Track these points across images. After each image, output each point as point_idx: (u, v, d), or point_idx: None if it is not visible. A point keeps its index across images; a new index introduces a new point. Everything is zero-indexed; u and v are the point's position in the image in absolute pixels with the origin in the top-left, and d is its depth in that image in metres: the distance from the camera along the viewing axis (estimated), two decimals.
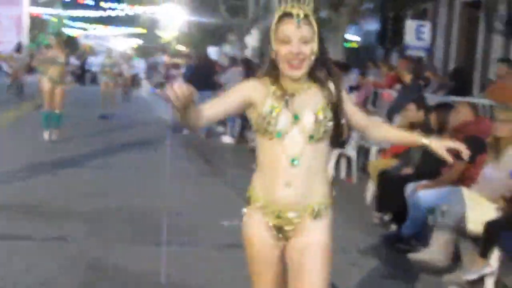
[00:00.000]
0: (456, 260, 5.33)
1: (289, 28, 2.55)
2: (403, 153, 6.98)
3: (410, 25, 13.40)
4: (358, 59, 26.51)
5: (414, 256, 5.36)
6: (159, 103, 23.20)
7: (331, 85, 2.67)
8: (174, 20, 41.14)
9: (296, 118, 2.59)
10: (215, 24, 32.05)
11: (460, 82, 11.71)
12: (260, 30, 30.23)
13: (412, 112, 7.40)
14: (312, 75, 2.65)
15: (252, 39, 32.35)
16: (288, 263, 2.70)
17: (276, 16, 2.60)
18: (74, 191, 7.58)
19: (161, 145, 11.77)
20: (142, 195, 7.45)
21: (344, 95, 2.70)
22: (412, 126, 7.39)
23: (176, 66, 26.23)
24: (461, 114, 6.02)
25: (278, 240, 2.70)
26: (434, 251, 5.19)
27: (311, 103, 2.62)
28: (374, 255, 5.76)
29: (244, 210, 2.77)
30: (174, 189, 8.07)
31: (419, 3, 19.05)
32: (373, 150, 8.68)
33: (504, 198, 5.01)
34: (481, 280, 4.89)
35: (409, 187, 6.08)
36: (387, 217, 6.77)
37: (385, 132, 2.93)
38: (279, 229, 2.68)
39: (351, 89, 12.16)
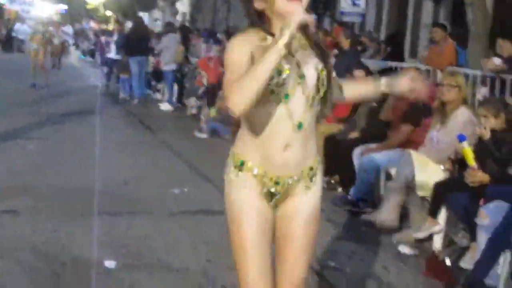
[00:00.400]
0: (404, 220, 5.54)
1: None
2: (348, 118, 7.13)
3: None
4: None
5: (366, 217, 5.53)
6: (89, 70, 22.78)
7: (323, 44, 2.50)
8: None
9: (302, 78, 2.36)
10: None
11: (394, 48, 12.00)
12: None
13: (362, 78, 7.54)
14: (306, 32, 2.42)
15: (182, 5, 31.93)
16: (277, 228, 2.51)
17: None
18: (18, 164, 7.38)
19: (99, 114, 11.58)
20: (88, 167, 7.32)
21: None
22: None
23: (106, 32, 25.67)
24: None
25: (270, 207, 2.48)
26: (385, 212, 5.37)
27: (312, 62, 2.40)
28: (324, 218, 5.90)
29: (231, 176, 2.47)
30: (118, 159, 8.02)
31: None
32: None
33: (451, 160, 5.22)
34: (429, 237, 5.12)
35: (357, 151, 6.23)
36: (333, 181, 6.94)
37: (353, 89, 2.74)
38: (272, 195, 2.46)
39: None
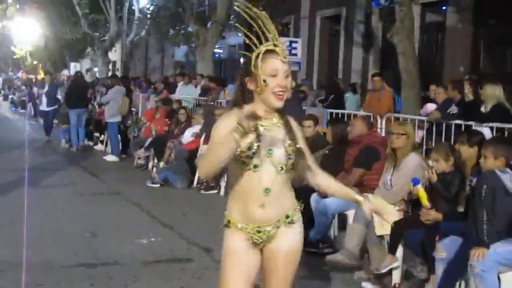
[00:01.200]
0: (363, 258, 6.01)
1: (276, 63, 2.87)
2: None
3: (282, 41, 14.15)
4: (224, 73, 27.30)
5: (330, 257, 5.96)
6: (24, 122, 22.60)
7: (293, 123, 3.05)
8: (28, 35, 39.51)
9: (270, 152, 2.91)
10: (74, 39, 31.42)
11: (335, 95, 12.70)
12: (123, 45, 30.15)
13: (311, 128, 8.07)
14: (279, 111, 2.99)
15: (112, 54, 32.10)
16: (264, 266, 3.06)
17: (257, 52, 2.89)
18: None
19: (46, 167, 11.70)
20: (54, 218, 7.50)
21: (301, 134, 3.11)
22: (307, 140, 8.08)
23: (39, 84, 25.65)
24: (357, 127, 6.74)
25: (257, 252, 3.03)
26: (347, 252, 5.82)
27: (280, 138, 2.94)
28: None
29: (225, 230, 3.05)
30: (78, 211, 8.21)
31: (280, 18, 19.86)
32: None
33: (404, 201, 5.75)
34: (388, 273, 5.60)
35: (314, 196, 6.69)
36: None
37: (328, 184, 3.25)
38: (256, 243, 3.00)
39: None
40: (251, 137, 2.67)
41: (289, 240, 3.03)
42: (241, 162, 2.88)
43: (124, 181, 10.94)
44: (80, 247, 6.40)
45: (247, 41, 2.97)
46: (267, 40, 2.89)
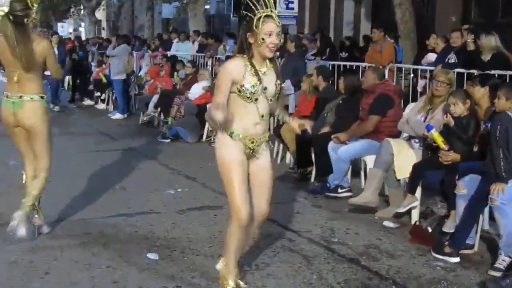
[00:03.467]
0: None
1: (271, 26, 3.86)
2: (316, 115, 8.01)
3: None
4: (213, 28, 27.37)
5: (352, 200, 6.40)
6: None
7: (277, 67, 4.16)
8: None
9: (265, 89, 3.97)
10: None
11: (330, 47, 13.04)
12: (110, 4, 30.02)
13: (314, 78, 8.47)
14: (270, 59, 4.03)
15: (101, 14, 32.00)
16: (250, 175, 4.12)
17: (258, 16, 3.84)
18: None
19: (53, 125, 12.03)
20: (76, 175, 7.86)
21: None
22: (316, 89, 8.50)
23: None
24: (368, 79, 7.10)
25: (247, 157, 4.07)
26: (368, 194, 6.26)
27: (272, 78, 4.02)
28: (311, 204, 6.77)
29: (223, 139, 4.02)
30: (98, 168, 8.54)
31: None
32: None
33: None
34: (407, 212, 6.06)
35: (331, 144, 7.10)
36: (306, 172, 7.82)
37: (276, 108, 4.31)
38: (250, 149, 4.04)
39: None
40: (255, 79, 3.89)
41: (265, 159, 4.17)
42: (246, 96, 3.93)
43: (134, 137, 11.25)
44: (114, 200, 6.78)
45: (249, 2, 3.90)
46: (266, 6, 3.86)
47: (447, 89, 6.19)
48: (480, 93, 5.71)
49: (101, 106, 15.51)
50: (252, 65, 3.92)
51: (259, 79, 3.91)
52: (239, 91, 3.89)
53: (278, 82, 4.06)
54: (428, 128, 5.76)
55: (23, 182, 5.58)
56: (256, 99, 3.93)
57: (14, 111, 5.27)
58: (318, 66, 9.12)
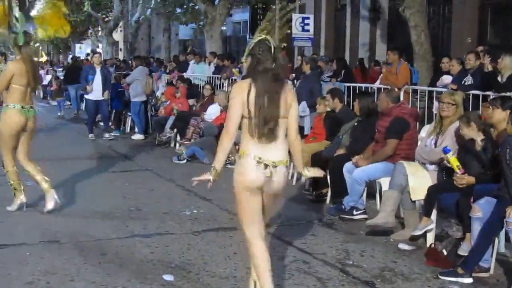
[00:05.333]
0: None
1: None
2: (331, 137, 8.05)
3: (295, 18, 14.53)
4: (229, 49, 27.56)
5: (369, 222, 6.38)
6: (38, 105, 22.97)
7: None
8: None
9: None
10: (77, 20, 31.61)
11: (346, 70, 13.09)
12: (127, 26, 30.35)
13: (329, 101, 8.51)
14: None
15: (116, 35, 32.34)
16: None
17: (254, 41, 4.11)
18: None
19: (72, 145, 12.14)
20: (94, 195, 7.95)
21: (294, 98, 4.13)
22: (333, 111, 8.54)
23: (40, 65, 26.26)
24: (384, 101, 7.13)
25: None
26: (384, 216, 6.25)
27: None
28: (327, 226, 6.77)
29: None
30: (116, 188, 8.63)
31: None
32: None
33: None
34: (423, 235, 6.04)
35: (347, 165, 7.12)
36: (322, 194, 7.84)
37: (292, 151, 4.22)
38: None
39: None
40: None
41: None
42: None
43: (150, 158, 11.38)
44: (130, 220, 6.83)
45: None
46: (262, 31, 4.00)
47: (453, 110, 6.21)
48: (501, 116, 5.64)
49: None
50: (257, 86, 3.98)
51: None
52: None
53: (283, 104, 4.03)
54: (446, 151, 5.75)
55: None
56: None
57: None
58: (331, 89, 9.14)
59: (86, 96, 13.96)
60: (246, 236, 4.14)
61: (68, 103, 20.78)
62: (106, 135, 13.83)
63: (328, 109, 8.60)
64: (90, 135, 13.72)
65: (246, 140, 4.02)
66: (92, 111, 13.80)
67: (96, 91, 13.37)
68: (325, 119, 8.62)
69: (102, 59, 14.76)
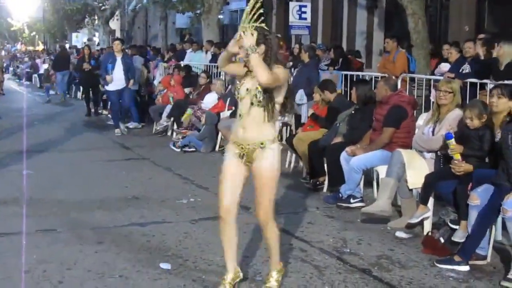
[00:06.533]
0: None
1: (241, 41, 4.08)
2: (328, 125, 8.03)
3: (292, 6, 14.47)
4: (226, 38, 27.45)
5: (365, 210, 6.37)
6: (36, 93, 22.96)
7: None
8: (25, 6, 39.40)
9: (247, 90, 4.19)
10: (73, 9, 31.49)
11: (343, 58, 13.04)
12: (124, 14, 30.23)
13: (322, 95, 8.48)
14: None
15: (115, 24, 32.21)
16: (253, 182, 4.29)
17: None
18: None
19: (71, 134, 12.10)
20: (92, 183, 7.93)
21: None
22: (329, 102, 8.52)
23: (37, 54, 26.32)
24: (382, 89, 7.10)
25: (241, 162, 4.27)
26: (381, 204, 6.25)
27: (254, 83, 4.14)
28: (324, 215, 6.77)
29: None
30: (113, 176, 8.62)
31: None
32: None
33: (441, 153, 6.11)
34: (419, 223, 6.04)
35: (343, 154, 7.10)
36: (318, 182, 7.83)
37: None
38: (240, 155, 4.26)
39: None
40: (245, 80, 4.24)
41: (264, 164, 4.21)
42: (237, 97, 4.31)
43: (147, 147, 11.36)
44: (128, 209, 6.82)
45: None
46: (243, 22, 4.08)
47: (450, 97, 6.18)
48: (507, 105, 5.56)
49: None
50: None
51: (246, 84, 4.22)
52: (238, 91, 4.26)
53: (256, 86, 4.12)
54: (448, 136, 5.66)
55: None
56: (240, 100, 4.23)
57: None
58: (319, 84, 9.05)
59: (106, 88, 12.99)
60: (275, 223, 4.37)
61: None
62: (122, 127, 12.89)
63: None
64: (116, 131, 12.73)
65: (272, 125, 4.24)
66: (115, 103, 12.76)
67: (117, 81, 12.45)
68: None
69: (122, 46, 13.35)
